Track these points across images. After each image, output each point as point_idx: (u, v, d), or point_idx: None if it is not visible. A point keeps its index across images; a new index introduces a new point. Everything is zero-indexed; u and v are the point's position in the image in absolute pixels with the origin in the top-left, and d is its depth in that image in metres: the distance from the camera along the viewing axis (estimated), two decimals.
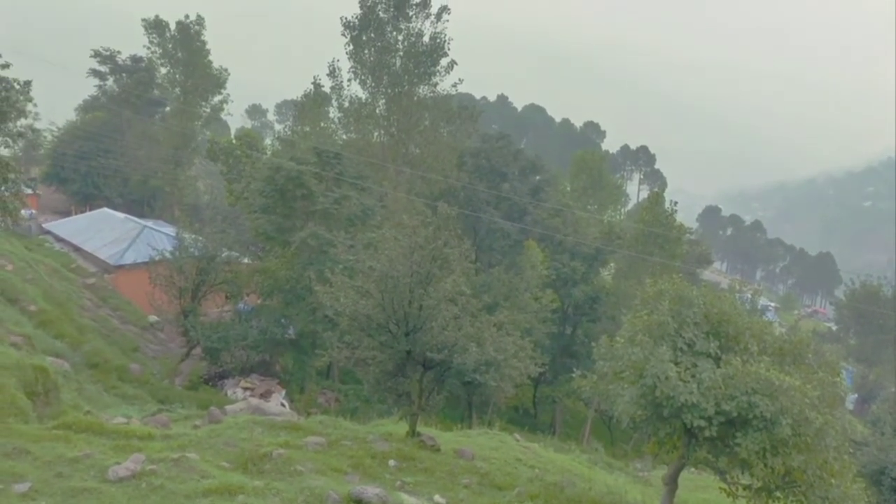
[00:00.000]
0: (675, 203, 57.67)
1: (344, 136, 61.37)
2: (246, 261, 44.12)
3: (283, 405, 34.78)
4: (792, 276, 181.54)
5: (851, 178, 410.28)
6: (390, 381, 20.99)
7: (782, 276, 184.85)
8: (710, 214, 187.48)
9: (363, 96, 58.02)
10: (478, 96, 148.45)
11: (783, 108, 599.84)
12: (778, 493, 15.77)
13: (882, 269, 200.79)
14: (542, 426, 51.58)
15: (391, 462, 18.11)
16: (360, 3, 56.04)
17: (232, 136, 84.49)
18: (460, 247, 22.28)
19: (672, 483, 17.77)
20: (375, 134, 59.08)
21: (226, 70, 77.60)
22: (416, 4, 55.76)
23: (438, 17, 56.08)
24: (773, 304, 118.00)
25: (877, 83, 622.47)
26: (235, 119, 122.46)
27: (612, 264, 59.61)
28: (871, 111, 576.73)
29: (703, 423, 15.18)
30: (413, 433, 21.04)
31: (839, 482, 15.54)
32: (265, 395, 37.03)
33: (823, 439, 15.26)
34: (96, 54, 78.79)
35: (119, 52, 79.49)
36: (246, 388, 38.15)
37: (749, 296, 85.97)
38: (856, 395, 79.00)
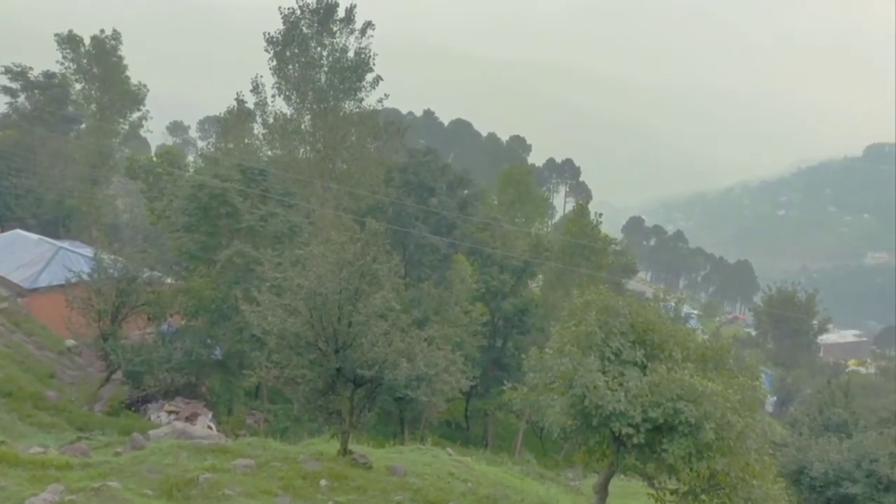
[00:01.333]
0: (600, 215, 58.87)
1: (269, 153, 60.62)
2: (169, 281, 43.04)
3: (209, 428, 33.97)
4: (713, 284, 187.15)
5: (766, 187, 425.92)
6: (321, 400, 20.75)
7: (704, 284, 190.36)
8: (635, 225, 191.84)
9: (288, 112, 57.47)
10: (404, 111, 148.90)
11: (703, 120, 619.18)
12: (703, 497, 16.19)
13: (796, 275, 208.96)
14: (475, 439, 51.70)
15: (322, 482, 17.88)
16: (283, 18, 55.56)
17: (153, 154, 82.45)
18: (389, 262, 22.24)
19: (602, 491, 18.04)
20: (301, 150, 58.54)
21: (145, 86, 75.82)
22: (341, 20, 55.62)
23: (363, 32, 56.06)
24: (695, 312, 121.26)
25: (786, 95, 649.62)
26: (156, 136, 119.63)
27: (540, 276, 60.34)
28: (782, 122, 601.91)
29: (630, 430, 15.48)
30: (344, 451, 20.82)
31: (761, 483, 16.06)
32: (191, 419, 36.12)
33: (745, 442, 15.75)
34: (7, 71, 76.03)
35: (31, 69, 76.88)
36: (171, 412, 37.15)
37: (673, 304, 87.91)
38: (774, 398, 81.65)
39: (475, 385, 45.05)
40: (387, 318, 20.78)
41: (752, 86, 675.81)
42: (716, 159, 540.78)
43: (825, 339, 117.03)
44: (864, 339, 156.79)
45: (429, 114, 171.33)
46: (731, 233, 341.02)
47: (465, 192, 63.04)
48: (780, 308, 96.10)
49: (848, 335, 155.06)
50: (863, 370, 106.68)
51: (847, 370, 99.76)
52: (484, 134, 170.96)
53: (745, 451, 15.89)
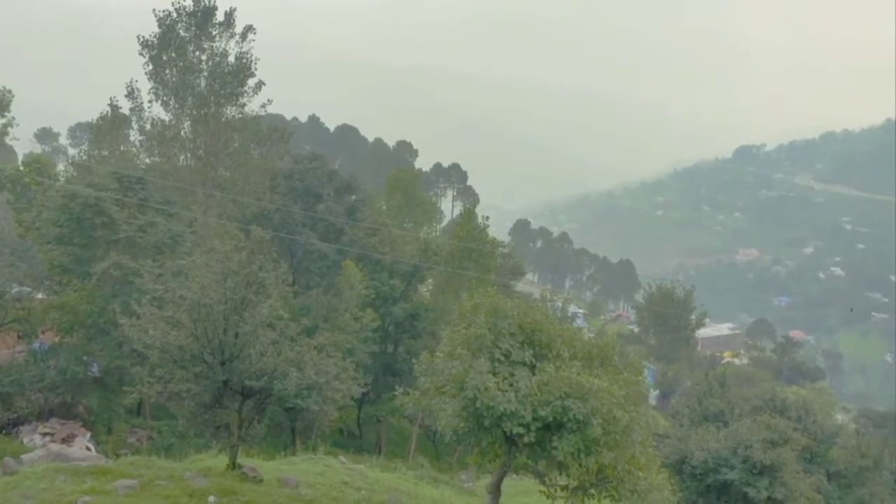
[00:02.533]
0: (487, 218, 59.77)
1: (147, 160, 58.35)
2: (40, 296, 40.84)
3: (88, 449, 32.40)
4: (597, 283, 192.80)
5: (645, 189, 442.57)
6: (207, 414, 20.19)
7: (589, 283, 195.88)
8: (521, 228, 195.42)
9: (166, 118, 55.54)
10: (289, 117, 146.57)
11: (587, 123, 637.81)
12: (592, 491, 16.70)
13: (674, 272, 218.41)
14: (368, 446, 51.42)
15: (211, 498, 17.39)
16: (158, 21, 53.64)
17: (19, 163, 77.96)
18: (276, 270, 21.89)
19: (495, 491, 18.30)
20: (182, 157, 56.64)
21: (9, 91, 71.66)
22: (220, 24, 54.20)
23: (244, 36, 54.79)
24: (581, 311, 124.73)
25: (662, 99, 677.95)
26: (23, 144, 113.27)
27: (430, 280, 60.67)
28: (659, 125, 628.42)
29: (521, 430, 15.78)
30: (233, 466, 20.33)
31: (646, 474, 16.70)
32: (67, 440, 34.34)
33: (630, 435, 16.35)
34: None
35: None
36: (45, 434, 35.19)
37: (560, 304, 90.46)
38: (657, 392, 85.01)
39: (367, 391, 44.84)
40: (275, 328, 20.46)
41: (631, 90, 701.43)
42: (598, 162, 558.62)
43: (702, 333, 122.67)
44: (738, 331, 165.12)
45: (314, 119, 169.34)
46: (614, 233, 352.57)
47: (353, 197, 62.72)
48: (661, 305, 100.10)
49: (723, 328, 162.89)
50: (737, 361, 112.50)
51: (723, 362, 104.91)
52: (370, 139, 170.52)
53: (630, 445, 16.48)
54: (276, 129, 61.00)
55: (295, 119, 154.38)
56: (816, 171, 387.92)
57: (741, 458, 30.35)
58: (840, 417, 75.18)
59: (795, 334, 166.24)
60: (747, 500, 30.07)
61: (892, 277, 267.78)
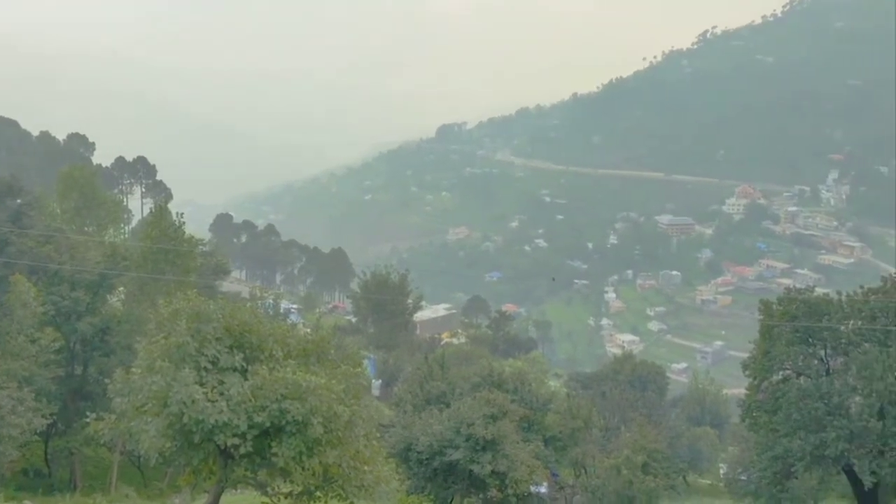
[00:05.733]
0: (182, 214, 57.60)
1: None
2: None
3: None
4: (310, 275, 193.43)
5: (351, 173, 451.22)
6: None
7: (301, 276, 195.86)
8: (223, 223, 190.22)
9: None
10: None
11: (285, 109, 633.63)
12: (318, 493, 16.93)
13: (388, 257, 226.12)
14: (61, 484, 47.52)
15: None
16: None
17: None
18: None
19: None
20: None
21: None
22: None
23: None
24: (295, 306, 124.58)
25: (361, 81, 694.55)
26: None
27: (121, 289, 57.26)
28: (361, 108, 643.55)
29: (237, 440, 15.56)
30: None
31: (372, 468, 17.28)
32: None
33: (353, 430, 16.81)
34: None
35: None
36: None
37: (271, 301, 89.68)
38: (380, 381, 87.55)
39: (54, 422, 41.51)
40: None
41: (329, 73, 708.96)
42: (301, 149, 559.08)
43: (420, 316, 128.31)
44: (455, 311, 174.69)
45: None
46: (323, 221, 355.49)
47: (18, 201, 57.52)
48: (376, 292, 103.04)
49: (440, 309, 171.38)
50: (455, 341, 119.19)
51: (442, 343, 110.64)
52: (35, 133, 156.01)
53: (354, 440, 16.93)
54: None
55: None
56: (515, 146, 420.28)
57: (464, 436, 32.39)
58: (553, 384, 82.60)
59: (508, 308, 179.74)
60: (473, 476, 32.22)
61: (590, 245, 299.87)
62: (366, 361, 72.03)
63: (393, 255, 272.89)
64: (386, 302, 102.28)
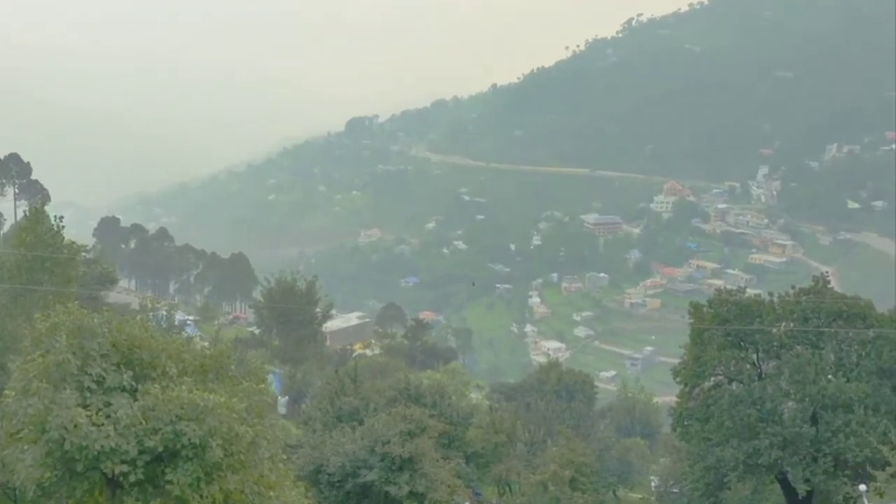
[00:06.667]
0: (62, 218, 55.86)
1: None
2: None
3: None
4: (208, 283, 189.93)
5: (253, 171, 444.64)
6: None
7: (198, 284, 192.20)
8: (108, 227, 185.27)
9: None
10: None
11: (178, 102, 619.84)
12: None
13: (295, 262, 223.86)
14: None
15: None
16: None
17: None
18: None
19: None
20: None
21: None
22: None
23: None
24: (191, 318, 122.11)
25: (262, 74, 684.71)
26: None
27: None
28: (261, 102, 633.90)
29: (126, 468, 15.22)
30: None
31: (278, 493, 17.12)
32: None
33: (257, 452, 16.60)
34: None
35: None
36: None
37: (164, 313, 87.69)
38: (286, 398, 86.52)
39: None
40: None
41: (227, 66, 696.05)
42: (194, 146, 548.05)
43: (330, 325, 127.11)
44: (368, 319, 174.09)
45: None
46: (222, 224, 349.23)
47: None
48: (282, 300, 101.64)
49: (352, 318, 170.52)
50: (369, 353, 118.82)
51: (354, 355, 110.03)
52: None
53: (258, 463, 16.73)
54: None
55: None
56: (431, 141, 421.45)
57: (379, 455, 32.35)
58: (474, 396, 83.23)
59: (425, 315, 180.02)
60: (389, 499, 32.18)
61: (512, 247, 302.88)
62: (270, 377, 70.97)
63: (300, 259, 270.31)
64: (292, 311, 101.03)
